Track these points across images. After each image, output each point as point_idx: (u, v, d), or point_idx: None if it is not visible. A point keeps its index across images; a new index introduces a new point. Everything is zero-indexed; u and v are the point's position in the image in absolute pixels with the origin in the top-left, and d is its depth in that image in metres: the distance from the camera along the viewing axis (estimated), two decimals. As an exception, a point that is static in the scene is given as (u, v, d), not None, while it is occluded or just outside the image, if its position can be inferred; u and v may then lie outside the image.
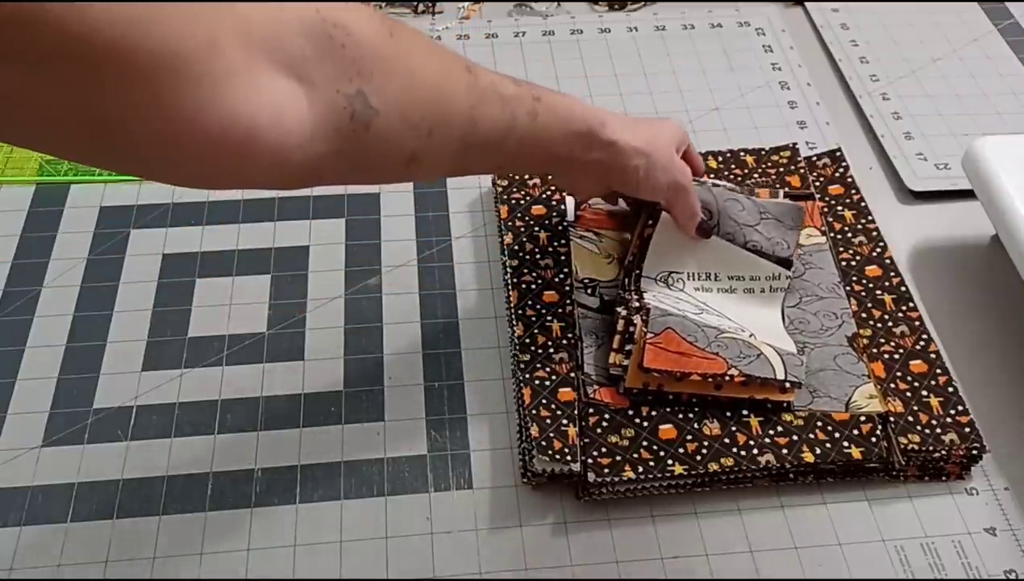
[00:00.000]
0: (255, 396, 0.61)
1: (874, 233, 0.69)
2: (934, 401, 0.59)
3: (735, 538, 0.55)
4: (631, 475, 0.55)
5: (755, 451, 0.56)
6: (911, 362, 0.61)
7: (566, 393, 0.58)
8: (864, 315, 0.64)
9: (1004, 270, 0.66)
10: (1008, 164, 0.65)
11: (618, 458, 0.55)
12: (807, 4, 0.92)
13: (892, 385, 0.60)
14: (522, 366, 0.60)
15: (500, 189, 0.72)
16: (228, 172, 0.41)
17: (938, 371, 0.61)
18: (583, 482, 0.55)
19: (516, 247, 0.67)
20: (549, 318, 0.63)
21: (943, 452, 0.57)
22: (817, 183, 0.73)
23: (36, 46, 0.32)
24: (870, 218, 0.70)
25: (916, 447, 0.57)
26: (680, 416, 0.58)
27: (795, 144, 0.76)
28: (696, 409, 0.58)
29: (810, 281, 0.65)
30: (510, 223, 0.69)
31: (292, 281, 0.67)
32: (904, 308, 0.64)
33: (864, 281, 0.66)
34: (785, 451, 0.56)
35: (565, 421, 0.57)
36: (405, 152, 0.47)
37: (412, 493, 0.57)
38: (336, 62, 0.41)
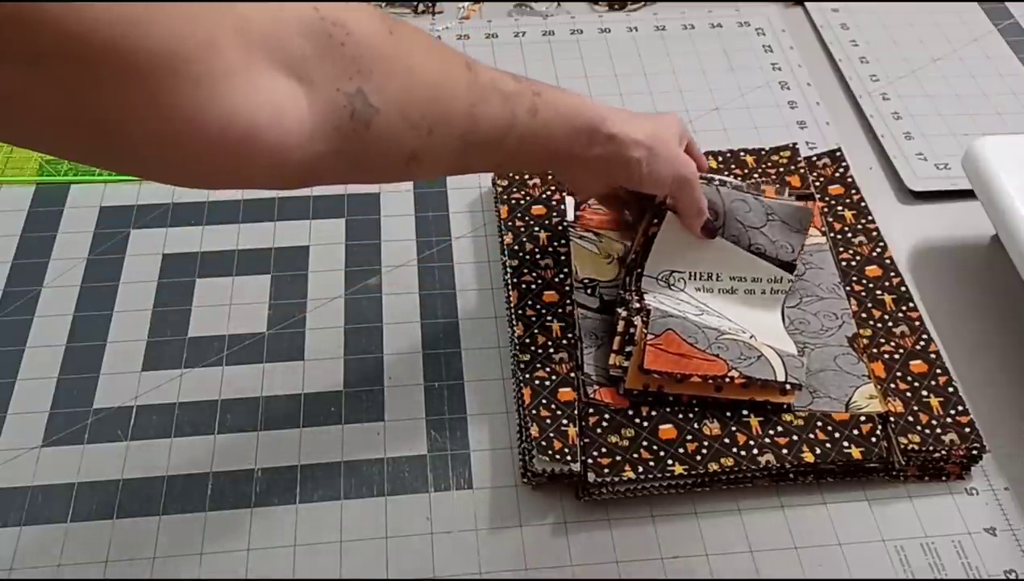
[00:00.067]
0: (255, 396, 0.61)
1: (874, 233, 0.69)
2: (934, 401, 0.59)
3: (735, 538, 0.55)
4: (631, 475, 0.55)
5: (755, 451, 0.56)
6: (911, 362, 0.61)
7: (566, 393, 0.58)
8: (864, 315, 0.64)
9: (1004, 270, 0.66)
10: (1008, 164, 0.64)
11: (618, 458, 0.55)
12: (807, 4, 0.92)
13: (892, 385, 0.60)
14: (522, 366, 0.60)
15: (500, 189, 0.72)
16: (227, 172, 0.41)
17: (938, 371, 0.61)
18: (583, 482, 0.55)
19: (516, 247, 0.67)
20: (549, 318, 0.63)
21: (943, 452, 0.57)
22: (817, 183, 0.73)
23: (34, 45, 0.32)
24: (870, 218, 0.70)
25: (916, 447, 0.57)
26: (680, 416, 0.58)
27: (795, 144, 0.75)
28: (696, 409, 0.58)
29: (810, 281, 0.65)
30: (510, 223, 0.69)
31: (292, 281, 0.67)
32: (904, 308, 0.64)
33: (864, 281, 0.66)
34: (785, 451, 0.56)
35: (565, 421, 0.57)
36: (405, 151, 0.47)
37: (412, 493, 0.57)
38: (336, 61, 0.41)
